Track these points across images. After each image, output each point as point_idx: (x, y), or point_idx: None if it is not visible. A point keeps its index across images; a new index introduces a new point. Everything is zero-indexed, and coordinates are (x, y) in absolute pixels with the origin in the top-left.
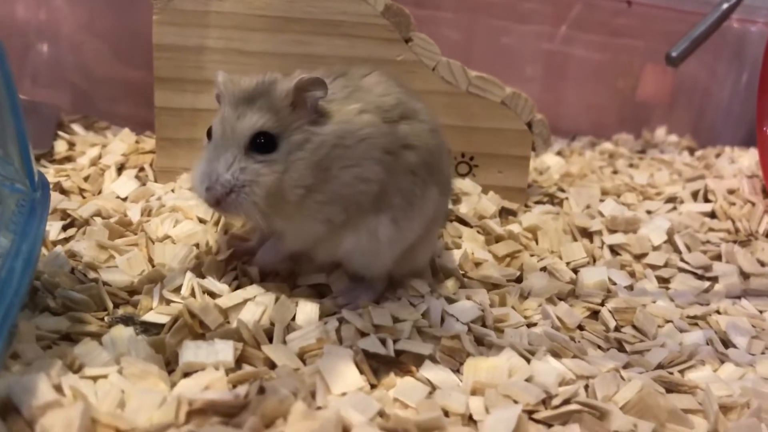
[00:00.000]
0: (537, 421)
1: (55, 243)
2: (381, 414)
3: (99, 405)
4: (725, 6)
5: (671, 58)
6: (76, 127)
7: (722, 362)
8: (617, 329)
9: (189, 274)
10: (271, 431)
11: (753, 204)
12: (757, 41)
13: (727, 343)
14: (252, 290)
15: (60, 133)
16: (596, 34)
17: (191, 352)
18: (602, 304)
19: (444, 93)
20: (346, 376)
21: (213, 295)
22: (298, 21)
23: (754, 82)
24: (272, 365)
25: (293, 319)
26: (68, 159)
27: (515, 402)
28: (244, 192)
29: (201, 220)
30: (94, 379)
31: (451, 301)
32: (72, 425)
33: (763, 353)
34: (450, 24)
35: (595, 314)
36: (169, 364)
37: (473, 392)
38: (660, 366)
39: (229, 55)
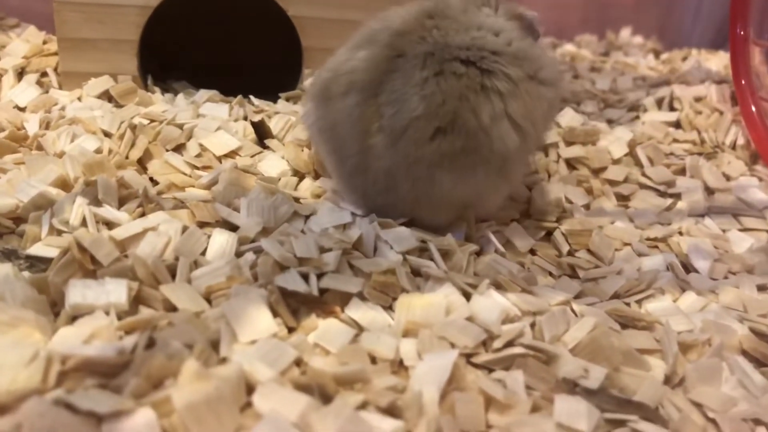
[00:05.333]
0: (476, 366)
1: None
2: (298, 363)
3: None
4: None
5: None
6: None
7: (683, 290)
8: (570, 253)
9: (80, 200)
10: (157, 394)
11: (721, 113)
12: None
13: (688, 267)
14: (155, 219)
15: None
16: None
17: (78, 292)
18: (557, 222)
19: None
20: (257, 321)
21: (110, 225)
22: None
23: None
24: (174, 308)
25: (204, 253)
26: None
27: (452, 345)
28: None
29: (106, 134)
30: None
31: (385, 226)
32: None
33: (725, 278)
34: None
35: (548, 236)
36: (56, 306)
37: (405, 334)
38: (616, 295)
39: None
